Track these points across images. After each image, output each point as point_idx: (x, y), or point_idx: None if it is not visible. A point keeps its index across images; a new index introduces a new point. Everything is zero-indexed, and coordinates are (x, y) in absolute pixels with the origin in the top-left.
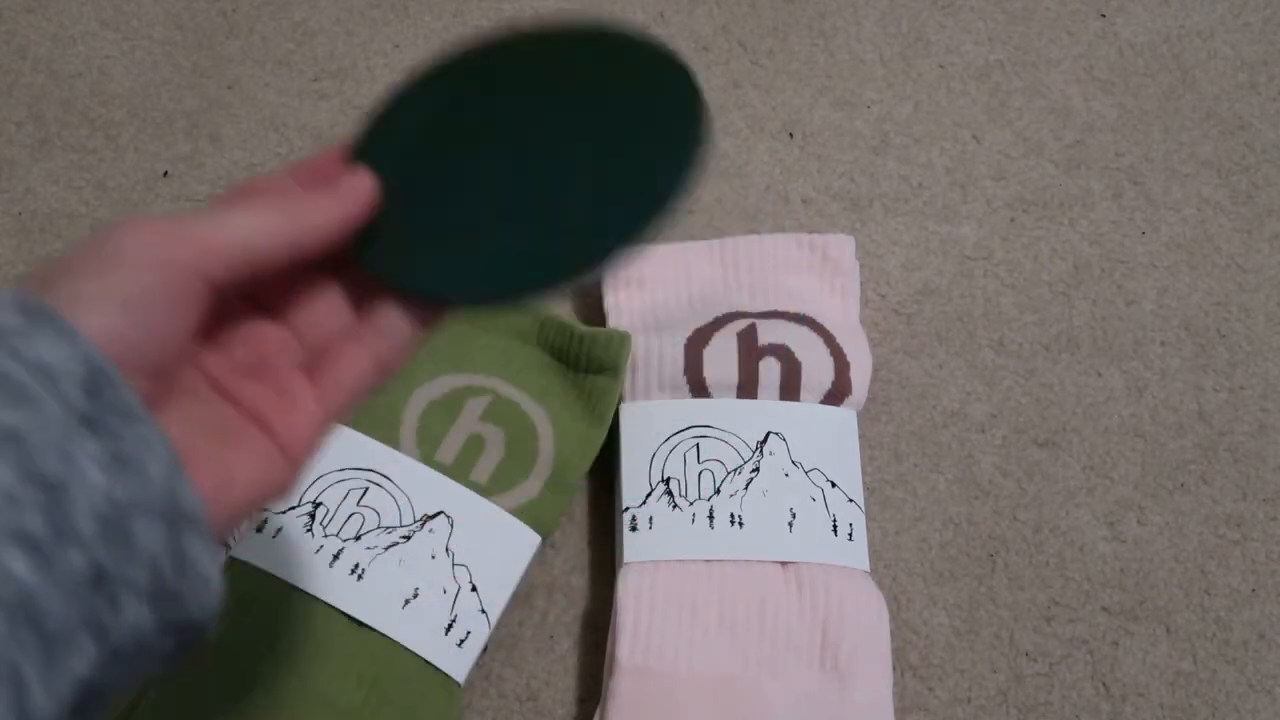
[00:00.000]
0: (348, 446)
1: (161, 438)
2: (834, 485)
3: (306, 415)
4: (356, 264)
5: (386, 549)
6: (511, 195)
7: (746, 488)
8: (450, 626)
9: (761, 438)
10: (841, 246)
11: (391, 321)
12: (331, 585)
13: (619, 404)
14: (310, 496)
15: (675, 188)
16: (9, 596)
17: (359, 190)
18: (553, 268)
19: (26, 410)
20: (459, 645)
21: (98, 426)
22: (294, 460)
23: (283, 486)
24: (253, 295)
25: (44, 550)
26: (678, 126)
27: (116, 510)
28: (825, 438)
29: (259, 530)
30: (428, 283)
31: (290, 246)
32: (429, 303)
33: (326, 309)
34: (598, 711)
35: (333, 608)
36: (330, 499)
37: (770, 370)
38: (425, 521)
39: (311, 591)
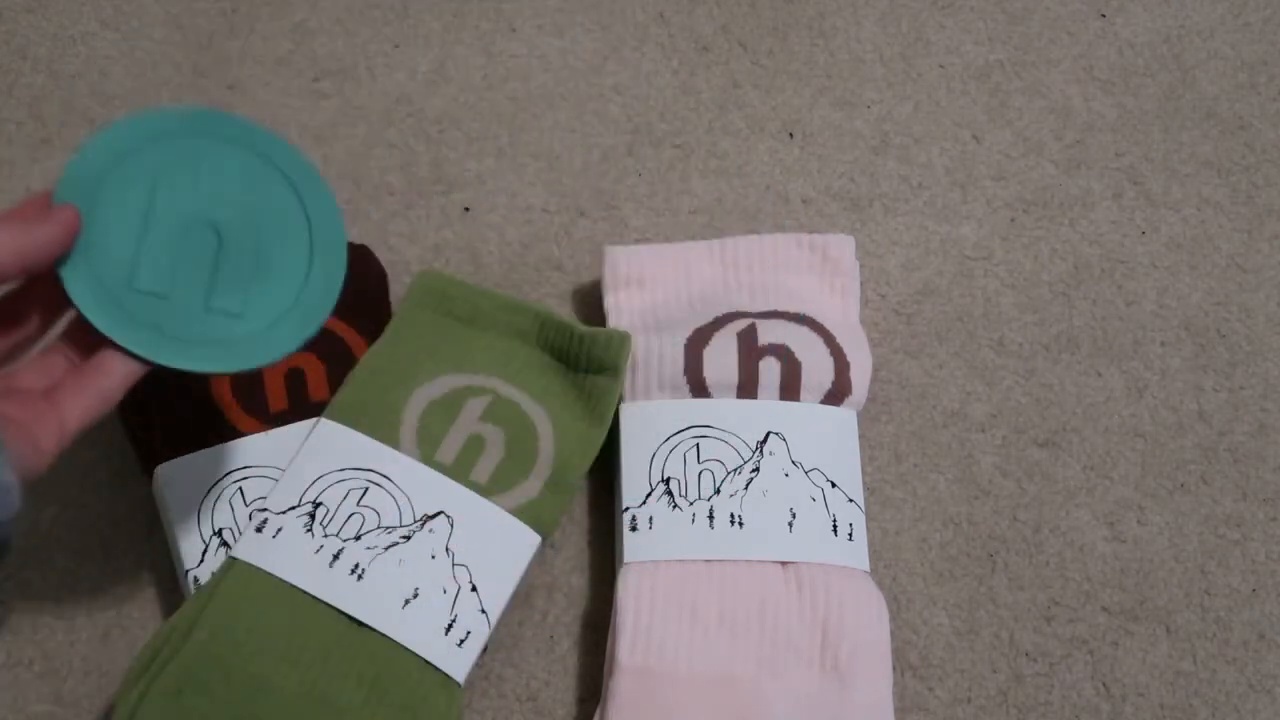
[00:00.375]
0: (348, 446)
1: None
2: (834, 485)
3: (49, 435)
4: (83, 323)
5: (386, 549)
6: (187, 275)
7: (746, 488)
8: (450, 626)
9: (761, 438)
10: (841, 246)
11: (109, 363)
12: (331, 585)
13: (619, 404)
14: (310, 496)
15: (329, 300)
16: None
17: (65, 218)
18: (229, 359)
19: None
20: (459, 645)
21: None
22: (46, 456)
23: (39, 469)
24: (10, 343)
25: None
26: (322, 260)
27: None
28: (825, 438)
29: (259, 530)
30: (127, 340)
31: (17, 258)
32: (130, 356)
33: (64, 350)
34: (598, 711)
35: (333, 608)
36: (330, 499)
37: (770, 370)
38: (425, 521)
39: (311, 591)
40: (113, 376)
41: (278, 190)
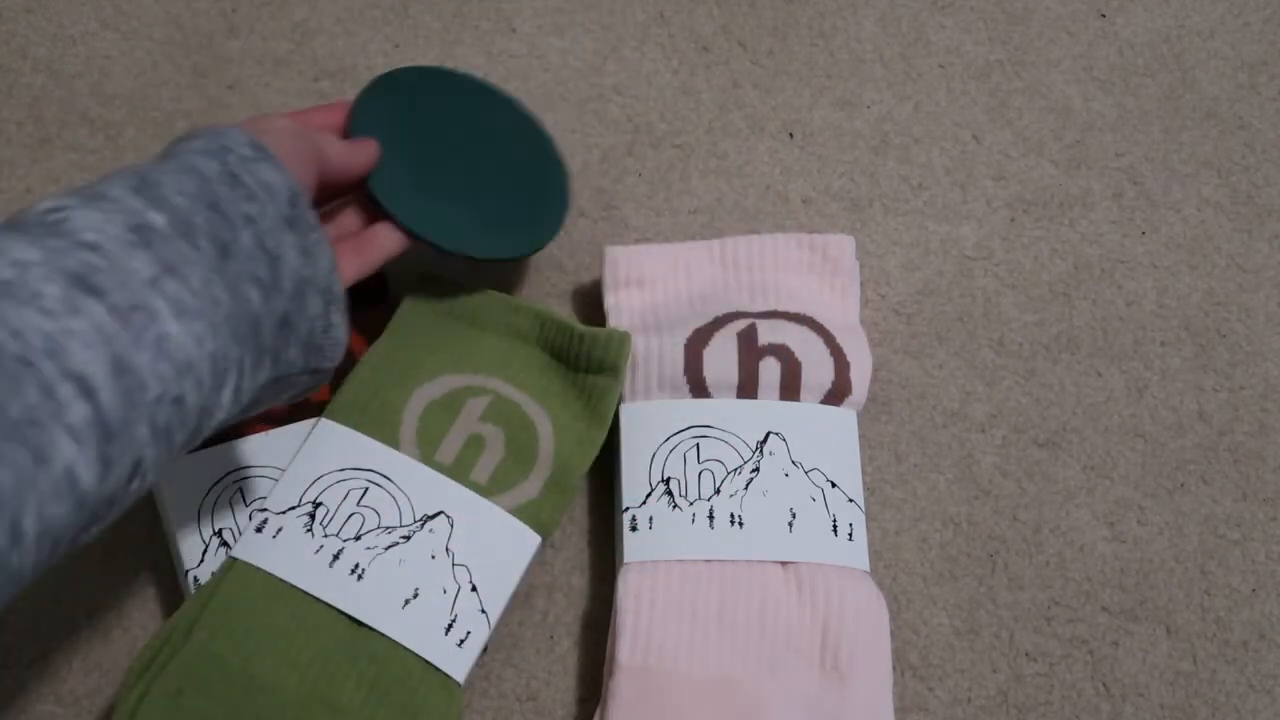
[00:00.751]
0: (348, 446)
1: (326, 242)
2: (834, 485)
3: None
4: (371, 199)
5: (386, 549)
6: (464, 179)
7: (746, 488)
8: (450, 626)
9: (761, 438)
10: (841, 246)
11: (380, 236)
12: (331, 585)
13: (619, 404)
14: (310, 496)
15: (564, 207)
16: (247, 316)
17: (372, 149)
18: (488, 245)
19: (258, 205)
20: (459, 645)
21: (294, 226)
22: None
23: None
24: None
25: (266, 291)
26: (554, 177)
27: (301, 282)
28: (825, 438)
29: (259, 530)
30: (410, 222)
31: (343, 171)
32: (408, 234)
33: (354, 215)
34: (598, 711)
35: (333, 608)
36: (330, 499)
37: (770, 370)
38: (425, 521)
39: (311, 591)
40: (381, 247)
41: (513, 122)
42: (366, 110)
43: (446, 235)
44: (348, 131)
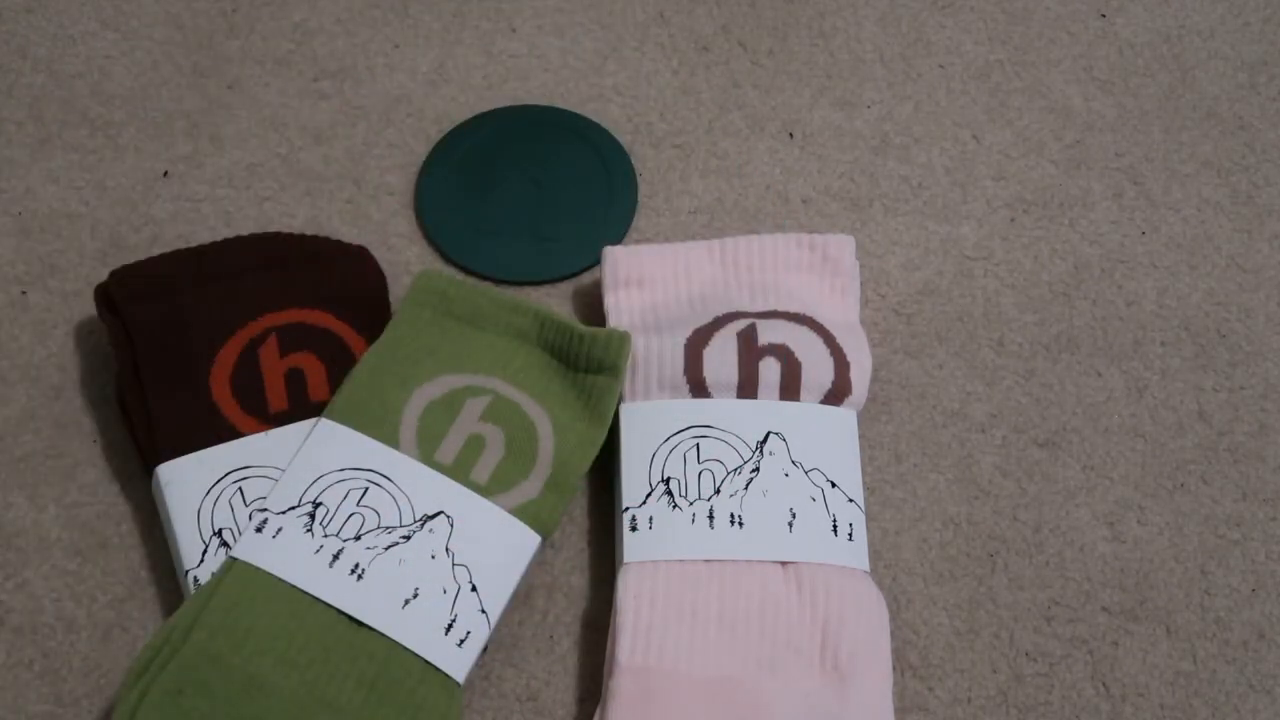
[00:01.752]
0: (348, 446)
1: None
2: (834, 485)
3: None
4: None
5: (386, 549)
6: (518, 217)
7: (746, 488)
8: (450, 626)
9: (761, 438)
10: (841, 246)
11: None
12: (331, 585)
13: (619, 404)
14: (310, 496)
15: (617, 238)
16: None
17: None
18: (540, 270)
19: None
20: (459, 645)
21: None
22: None
23: None
24: None
25: None
26: (619, 198)
27: None
28: (825, 438)
29: (259, 530)
30: (465, 259)
31: None
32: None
33: None
34: (598, 711)
35: (332, 608)
36: (330, 499)
37: (770, 370)
38: (425, 521)
39: (311, 591)
40: None
41: (578, 145)
42: (433, 170)
43: (511, 269)
44: (419, 188)
